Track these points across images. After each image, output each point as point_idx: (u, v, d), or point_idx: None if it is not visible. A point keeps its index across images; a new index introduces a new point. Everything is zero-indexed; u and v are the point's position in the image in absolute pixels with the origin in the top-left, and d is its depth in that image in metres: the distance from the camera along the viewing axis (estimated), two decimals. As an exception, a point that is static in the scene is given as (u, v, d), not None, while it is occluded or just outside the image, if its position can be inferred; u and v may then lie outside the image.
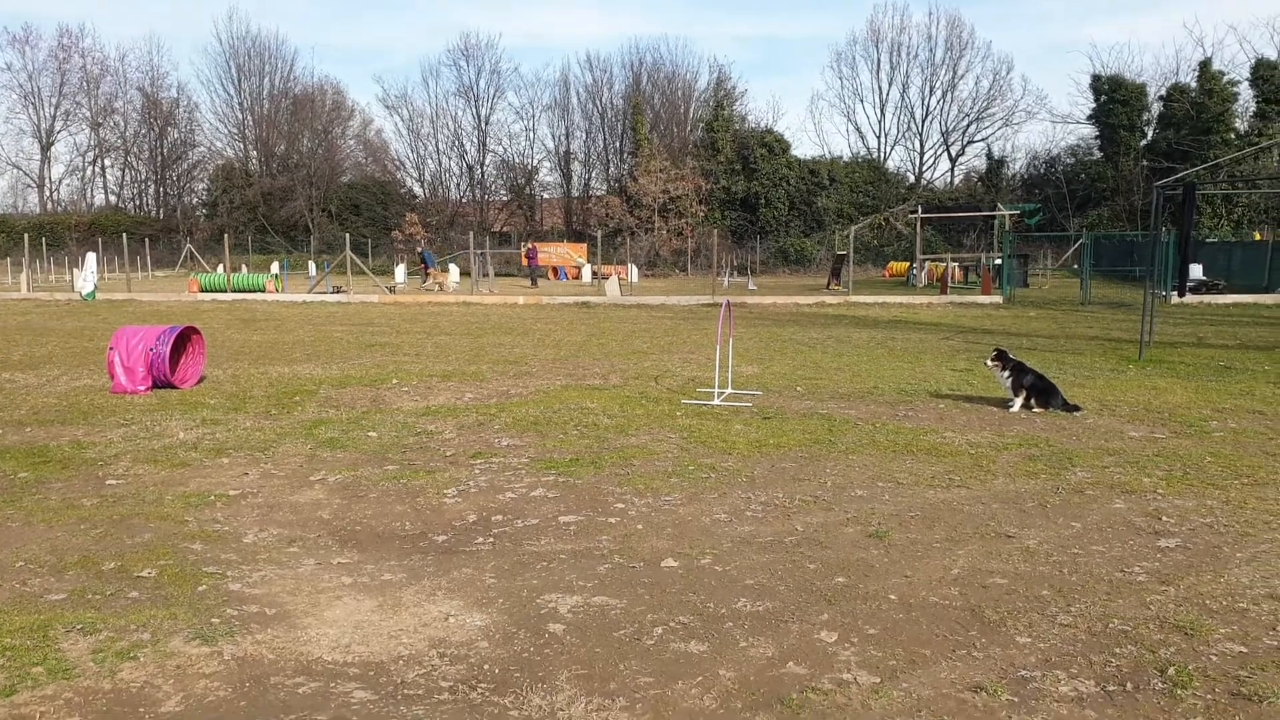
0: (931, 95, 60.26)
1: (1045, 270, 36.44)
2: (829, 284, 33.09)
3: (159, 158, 68.37)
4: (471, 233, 39.89)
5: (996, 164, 57.16)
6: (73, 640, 3.52)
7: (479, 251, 42.83)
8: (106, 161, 68.61)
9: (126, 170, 69.06)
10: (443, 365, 12.03)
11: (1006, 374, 8.78)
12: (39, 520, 5.13)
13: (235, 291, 28.06)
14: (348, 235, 30.82)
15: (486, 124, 66.40)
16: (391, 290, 28.27)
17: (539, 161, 67.26)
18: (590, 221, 65.41)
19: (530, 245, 36.12)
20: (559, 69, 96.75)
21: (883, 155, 61.07)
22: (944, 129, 60.59)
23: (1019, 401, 8.64)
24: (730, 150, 55.06)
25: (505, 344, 14.87)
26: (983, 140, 59.39)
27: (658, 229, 52.88)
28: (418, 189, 67.42)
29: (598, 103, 64.70)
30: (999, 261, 28.16)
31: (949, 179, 60.76)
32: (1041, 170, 56.93)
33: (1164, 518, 5.17)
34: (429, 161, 67.33)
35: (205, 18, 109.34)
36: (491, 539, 4.86)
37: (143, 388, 9.61)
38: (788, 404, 9.01)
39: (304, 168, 64.13)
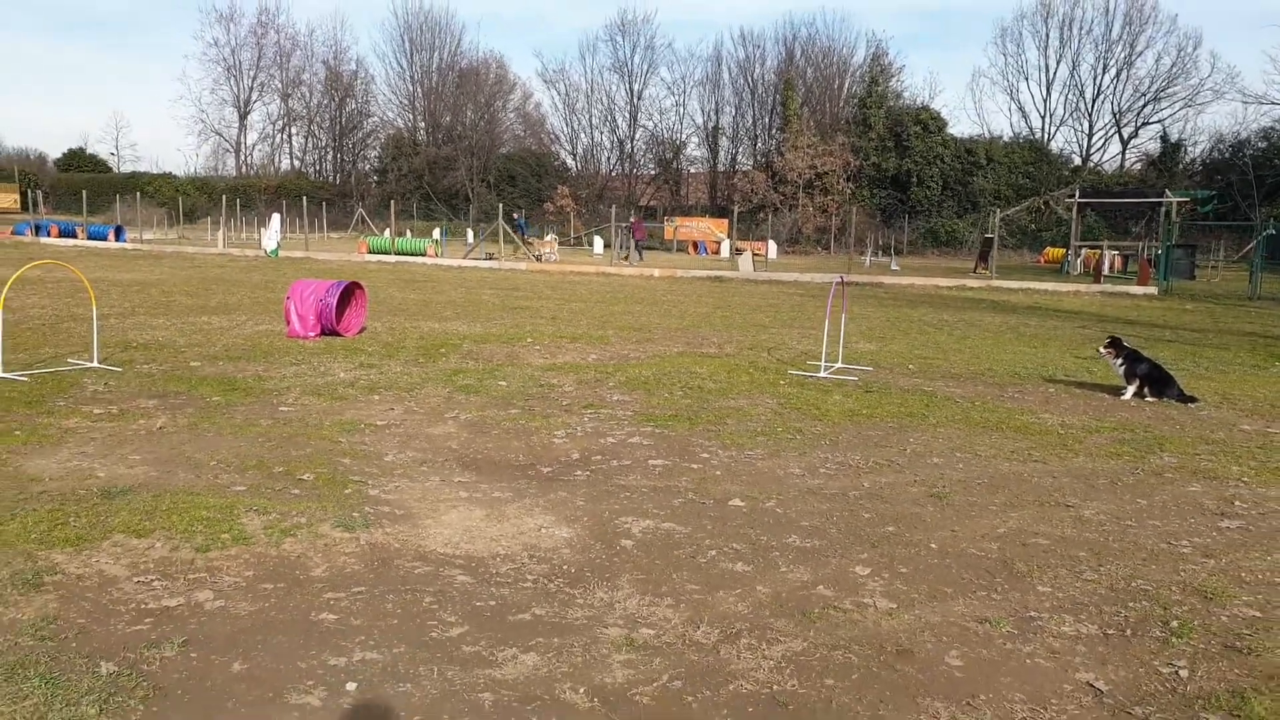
0: (1104, 73, 56.85)
1: (1217, 262, 33.99)
2: (975, 268, 32.17)
3: (338, 126, 73.13)
4: (614, 206, 40.87)
5: (1173, 147, 53.36)
6: (250, 518, 4.45)
7: (623, 225, 43.95)
8: (293, 130, 73.98)
9: (309, 138, 74.24)
10: (573, 329, 12.87)
11: (1120, 361, 8.74)
12: (227, 433, 6.22)
13: (399, 254, 30.14)
14: (500, 205, 32.43)
15: (639, 99, 67.45)
16: (539, 258, 29.62)
17: (687, 136, 67.80)
18: (735, 197, 65.57)
19: (635, 219, 37.07)
20: (712, 44, 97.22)
21: (1046, 136, 58.17)
22: (1116, 109, 57.04)
23: (1131, 390, 8.61)
24: (883, 127, 53.76)
25: (634, 312, 15.61)
26: (1159, 122, 55.58)
27: (802, 205, 52.47)
28: (570, 161, 69.34)
29: (749, 78, 64.47)
30: (1160, 251, 26.66)
31: (1119, 162, 57.21)
32: (1226, 155, 52.69)
33: (1237, 502, 5.29)
34: (581, 135, 69.07)
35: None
36: (588, 473, 5.56)
37: (312, 334, 10.89)
38: (895, 380, 9.30)
39: (466, 139, 67.10)
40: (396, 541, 4.30)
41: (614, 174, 68.56)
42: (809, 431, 6.81)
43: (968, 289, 23.98)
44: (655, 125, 68.16)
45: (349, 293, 11.53)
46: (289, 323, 11.01)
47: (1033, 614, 3.69)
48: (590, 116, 68.29)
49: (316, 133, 73.76)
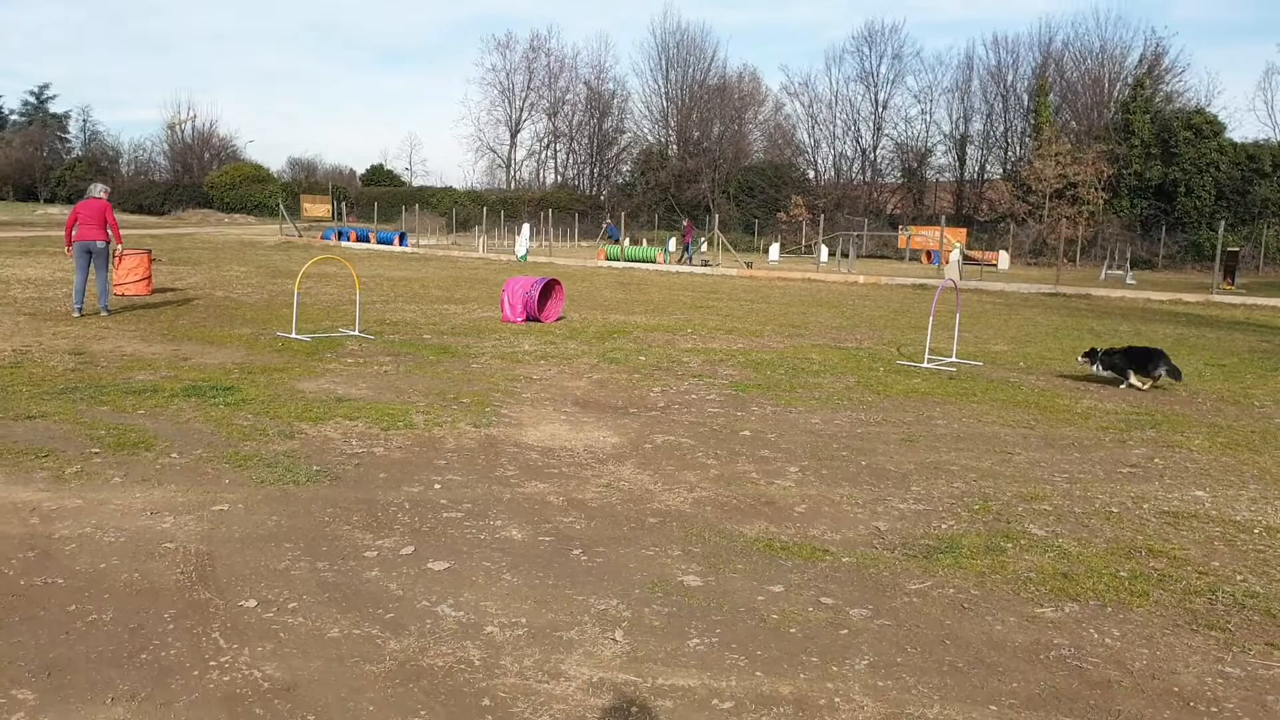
0: None
1: None
2: (1222, 283, 30.08)
3: (596, 142, 79.15)
4: (850, 215, 41.84)
5: None
6: (418, 417, 6.96)
7: (855, 234, 44.76)
8: (557, 146, 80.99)
9: (570, 154, 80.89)
10: (736, 324, 14.83)
11: (1097, 367, 9.91)
12: (427, 376, 8.89)
13: (628, 261, 33.34)
14: (716, 216, 34.78)
15: (883, 108, 67.36)
16: (749, 266, 31.61)
17: (933, 144, 66.71)
18: (981, 207, 63.62)
19: (686, 223, 38.27)
20: (962, 51, 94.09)
21: (1355, 138, 51.41)
22: None
23: (1127, 380, 9.64)
24: (1148, 132, 50.27)
25: (806, 313, 17.26)
26: None
27: (1049, 215, 50.33)
28: (810, 172, 70.48)
29: (1000, 84, 62.39)
30: None
31: None
32: None
33: (1156, 459, 6.38)
34: (823, 145, 69.98)
35: (646, 17, 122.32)
36: (656, 413, 7.61)
37: (519, 319, 13.70)
38: (992, 373, 10.46)
39: (711, 152, 70.28)
40: (503, 435, 6.60)
41: (856, 183, 68.86)
42: (858, 401, 8.41)
43: (1184, 303, 23.05)
44: (900, 134, 67.78)
45: (550, 288, 14.25)
46: (502, 310, 13.90)
47: (886, 498, 5.31)
48: (834, 127, 69.15)
49: (576, 149, 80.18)
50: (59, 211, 58.28)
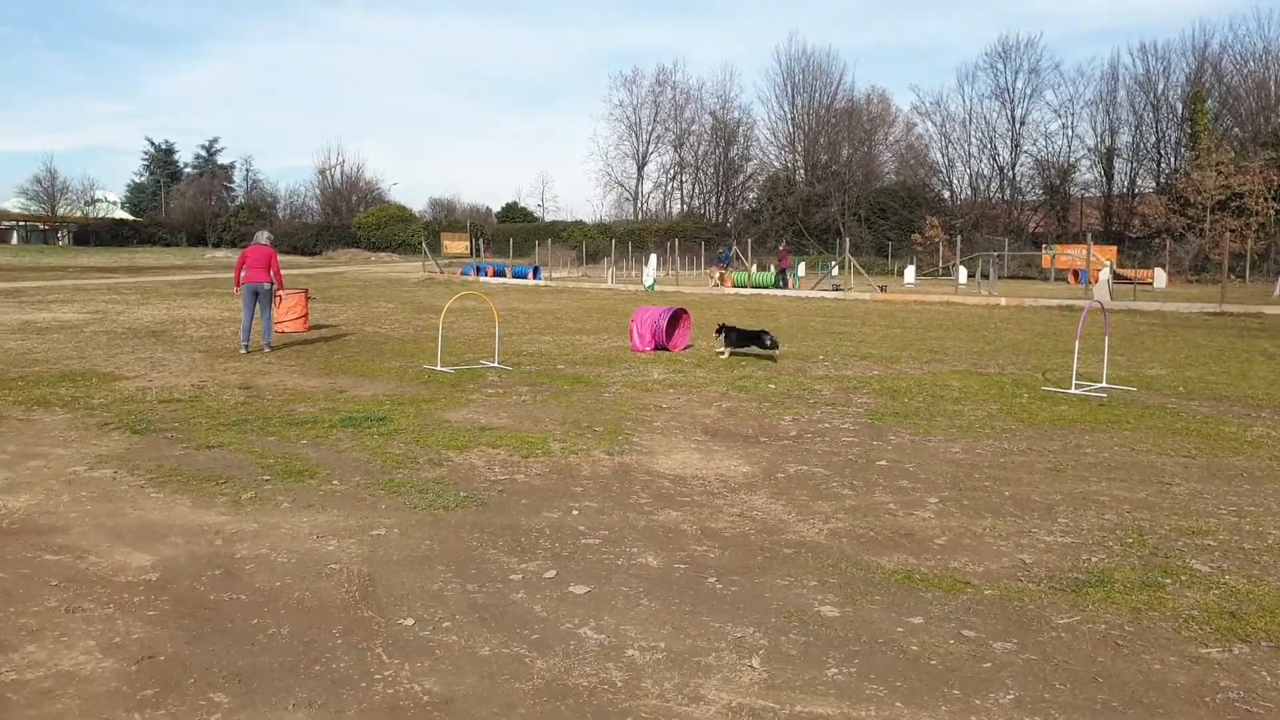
0: None
1: None
2: None
3: (721, 170, 79.54)
4: (989, 235, 40.44)
5: None
6: (554, 444, 7.20)
7: (995, 254, 43.14)
8: (683, 177, 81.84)
9: (696, 184, 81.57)
10: (871, 350, 14.58)
11: (719, 335, 13.47)
12: (562, 405, 9.18)
13: (754, 287, 33.28)
14: (846, 239, 34.20)
15: (1021, 124, 64.94)
16: (883, 289, 30.96)
17: (1077, 159, 63.72)
18: (1133, 222, 60.15)
19: (783, 248, 37.16)
20: (1106, 60, 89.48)
21: None
22: None
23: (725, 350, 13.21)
24: (1326, 136, 46.48)
25: (945, 338, 16.78)
26: None
27: (1211, 229, 47.12)
28: (945, 192, 68.55)
29: (1150, 94, 59.08)
30: None
31: None
32: None
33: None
34: (958, 164, 68.01)
35: (771, 45, 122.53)
36: (787, 442, 7.60)
37: (648, 348, 13.93)
38: (1148, 398, 9.91)
39: (840, 175, 69.43)
40: (635, 463, 6.76)
41: (994, 202, 66.49)
42: (1001, 429, 8.14)
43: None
44: (1040, 150, 65.12)
45: (678, 317, 14.43)
46: (631, 340, 14.17)
47: (1032, 530, 5.13)
48: (968, 145, 67.15)
49: (702, 178, 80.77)
50: (225, 255, 63.22)
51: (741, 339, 13.23)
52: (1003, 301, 26.82)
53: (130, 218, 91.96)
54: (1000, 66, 65.73)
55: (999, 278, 36.42)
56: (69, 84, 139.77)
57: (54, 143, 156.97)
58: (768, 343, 12.86)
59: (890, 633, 3.81)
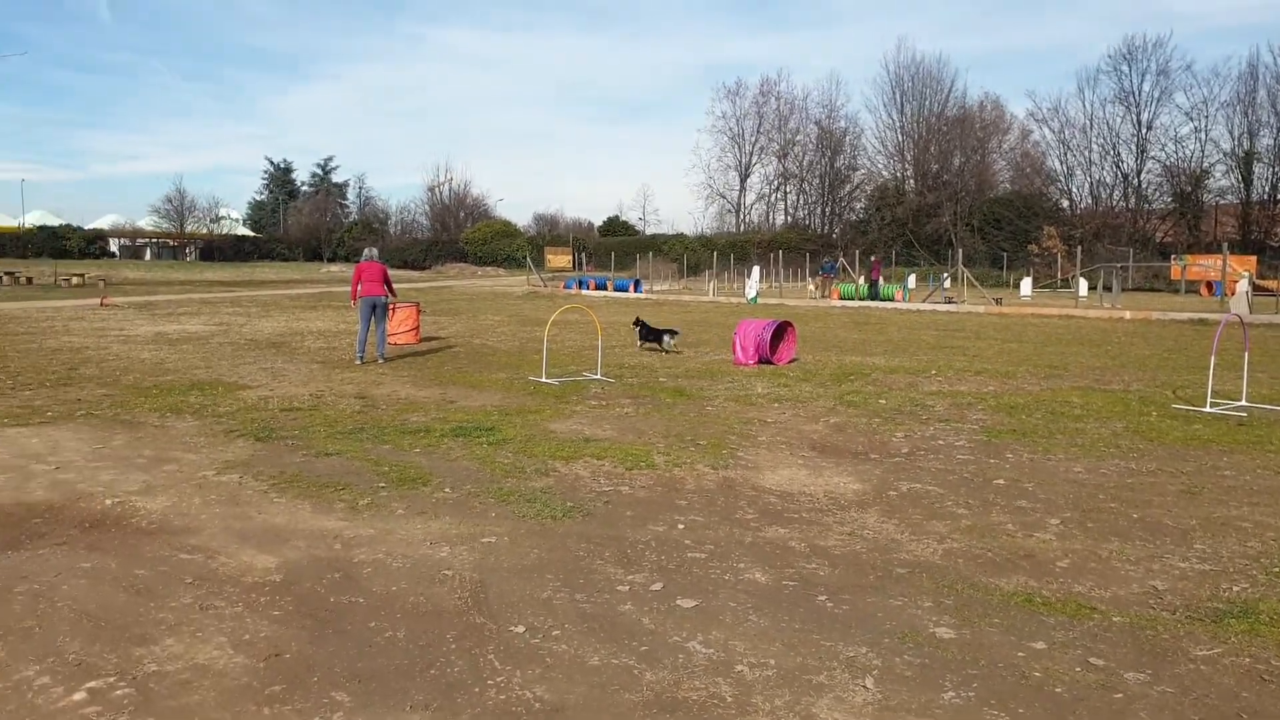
0: None
1: None
2: None
3: (827, 181, 78.52)
4: (1112, 246, 38.66)
5: None
6: (658, 457, 7.21)
7: (1119, 265, 41.15)
8: (787, 188, 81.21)
9: (800, 194, 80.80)
10: (986, 365, 14.09)
11: (637, 329, 15.40)
12: (665, 418, 9.19)
13: (863, 299, 32.64)
14: (959, 251, 33.20)
15: (1148, 129, 61.86)
16: (998, 302, 29.89)
17: (1211, 164, 60.22)
18: (1275, 231, 56.48)
19: (875, 259, 35.62)
20: (1244, 59, 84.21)
21: None
22: None
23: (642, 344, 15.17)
24: None
25: (1065, 353, 16.07)
26: None
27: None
28: (1064, 201, 65.84)
29: (1292, 92, 55.34)
30: None
31: None
32: None
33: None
34: (1078, 172, 65.27)
35: (878, 53, 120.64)
36: (899, 459, 7.39)
37: (751, 362, 13.81)
38: (1290, 417, 9.25)
39: (952, 184, 67.56)
40: (740, 478, 6.70)
41: (1118, 210, 63.48)
42: (1127, 448, 7.72)
43: None
44: (1170, 155, 61.84)
45: (782, 330, 14.28)
46: (734, 353, 14.08)
47: (1164, 556, 4.83)
48: (1089, 152, 64.36)
49: (807, 189, 79.95)
50: (340, 270, 66.01)
51: (648, 334, 15.33)
52: (1127, 315, 25.52)
53: (251, 234, 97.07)
54: (1125, 69, 62.88)
55: (1123, 290, 34.67)
56: (199, 108, 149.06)
57: (183, 163, 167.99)
58: (665, 341, 15.00)
59: (1010, 657, 3.65)
